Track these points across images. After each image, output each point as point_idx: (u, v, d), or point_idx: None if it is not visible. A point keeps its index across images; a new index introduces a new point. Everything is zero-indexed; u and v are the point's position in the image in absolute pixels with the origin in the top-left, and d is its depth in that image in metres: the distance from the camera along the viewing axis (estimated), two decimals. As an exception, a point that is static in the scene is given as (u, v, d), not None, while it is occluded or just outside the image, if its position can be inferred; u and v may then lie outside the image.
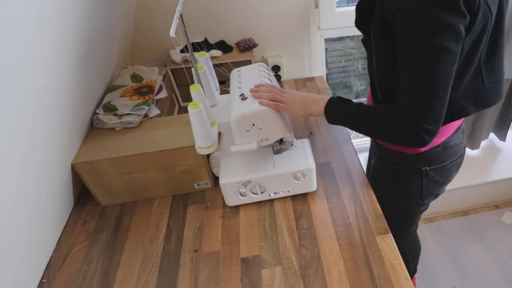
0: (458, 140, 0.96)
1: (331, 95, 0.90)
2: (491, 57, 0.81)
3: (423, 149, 0.92)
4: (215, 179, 1.04)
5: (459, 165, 1.01)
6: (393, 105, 0.76)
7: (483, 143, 1.99)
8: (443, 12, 0.65)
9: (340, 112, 0.85)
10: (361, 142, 1.99)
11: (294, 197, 1.00)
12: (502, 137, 1.97)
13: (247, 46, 1.38)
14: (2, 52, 0.68)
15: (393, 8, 0.69)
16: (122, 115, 1.05)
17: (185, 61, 1.35)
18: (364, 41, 0.89)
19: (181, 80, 1.39)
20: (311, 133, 1.22)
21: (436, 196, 1.06)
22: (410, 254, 1.36)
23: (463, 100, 0.82)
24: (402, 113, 0.74)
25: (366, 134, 0.88)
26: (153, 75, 1.23)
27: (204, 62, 1.00)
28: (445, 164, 0.96)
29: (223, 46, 1.40)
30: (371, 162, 1.15)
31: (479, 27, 0.71)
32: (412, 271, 1.44)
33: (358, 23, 0.87)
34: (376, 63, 0.83)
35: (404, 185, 1.03)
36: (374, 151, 1.10)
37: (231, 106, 0.89)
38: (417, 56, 0.69)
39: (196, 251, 0.90)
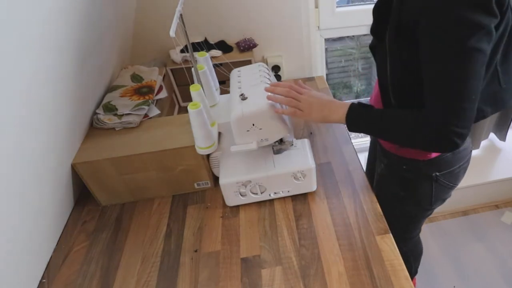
0: (466, 144, 0.94)
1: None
2: (508, 57, 0.79)
3: (434, 155, 0.91)
4: (215, 179, 1.04)
5: (466, 169, 1.00)
6: (420, 109, 0.73)
7: (483, 143, 1.99)
8: (475, 12, 0.63)
9: (363, 119, 0.81)
10: (361, 142, 1.99)
11: (294, 197, 1.00)
12: (502, 137, 1.96)
13: (247, 46, 1.38)
14: (2, 52, 0.69)
15: (416, 8, 0.67)
16: (122, 115, 1.05)
17: (185, 61, 1.35)
18: (374, 47, 0.86)
19: (181, 80, 1.39)
20: (311, 133, 1.22)
21: (443, 200, 1.05)
22: (412, 257, 1.36)
23: (481, 102, 0.79)
24: (433, 117, 0.71)
25: (392, 141, 0.84)
26: (153, 75, 1.23)
27: (204, 62, 1.00)
28: (453, 168, 0.95)
29: (223, 46, 1.40)
30: (377, 170, 1.11)
31: (502, 27, 0.69)
32: (413, 272, 1.44)
33: (374, 28, 0.84)
34: (390, 66, 0.80)
35: (414, 192, 1.01)
36: (380, 157, 1.07)
37: (231, 106, 0.89)
38: (449, 58, 0.67)
39: (196, 251, 0.90)
